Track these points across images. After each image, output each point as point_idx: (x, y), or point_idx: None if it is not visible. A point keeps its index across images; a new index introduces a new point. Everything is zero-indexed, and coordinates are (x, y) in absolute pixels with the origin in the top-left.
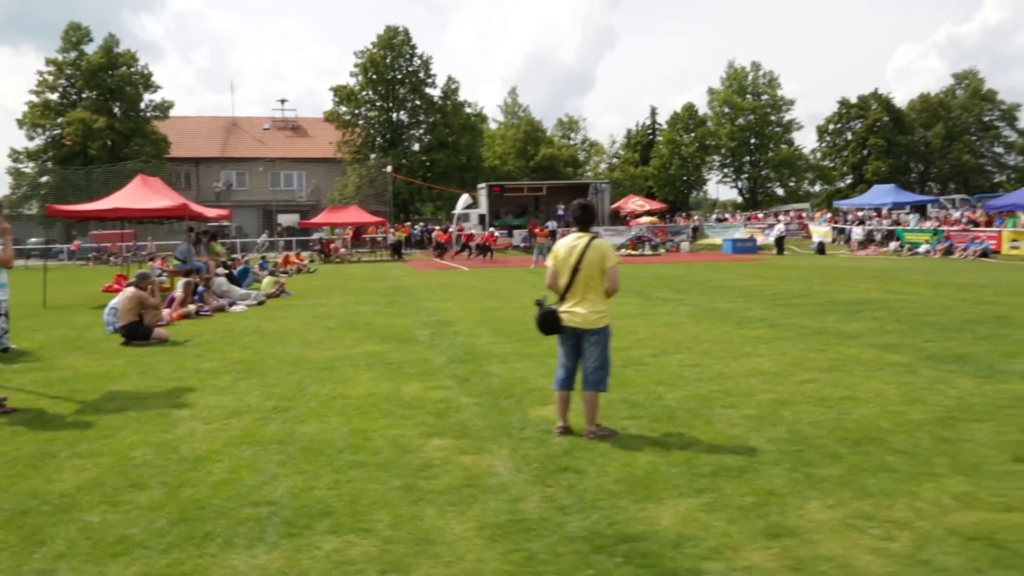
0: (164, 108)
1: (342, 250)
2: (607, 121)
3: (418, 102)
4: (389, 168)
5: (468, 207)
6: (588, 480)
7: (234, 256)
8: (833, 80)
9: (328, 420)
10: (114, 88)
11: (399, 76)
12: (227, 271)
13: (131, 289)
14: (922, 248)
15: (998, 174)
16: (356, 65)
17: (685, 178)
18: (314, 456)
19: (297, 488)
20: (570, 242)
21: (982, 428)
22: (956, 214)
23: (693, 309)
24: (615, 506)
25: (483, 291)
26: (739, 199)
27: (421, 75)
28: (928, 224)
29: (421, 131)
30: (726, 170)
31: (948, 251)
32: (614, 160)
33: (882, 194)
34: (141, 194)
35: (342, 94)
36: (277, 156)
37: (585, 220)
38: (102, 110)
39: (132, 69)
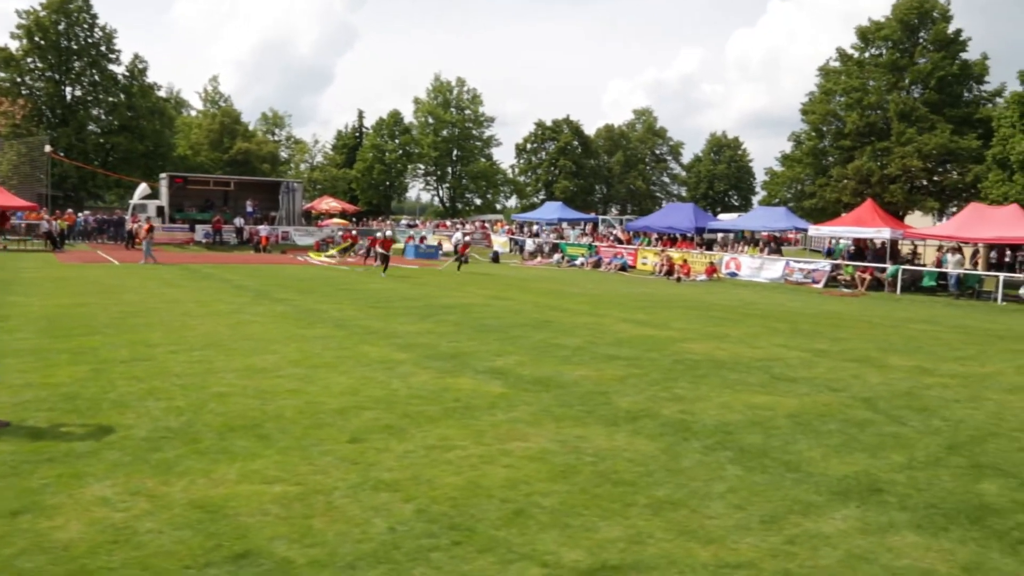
0: None
1: None
2: (344, 119)
3: (97, 78)
4: (48, 148)
5: (145, 197)
6: None
7: None
8: (563, 104)
9: None
10: None
11: (75, 47)
12: None
13: None
14: (579, 261)
15: (665, 200)
16: (19, 26)
17: (388, 183)
18: None
19: None
20: None
21: (370, 414)
22: (606, 232)
23: (289, 310)
24: None
25: (90, 285)
26: (440, 207)
27: (103, 48)
28: (585, 240)
29: (101, 111)
30: (429, 178)
31: (597, 264)
32: (318, 160)
33: (551, 210)
34: None
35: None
36: None
37: None
38: None
39: None
